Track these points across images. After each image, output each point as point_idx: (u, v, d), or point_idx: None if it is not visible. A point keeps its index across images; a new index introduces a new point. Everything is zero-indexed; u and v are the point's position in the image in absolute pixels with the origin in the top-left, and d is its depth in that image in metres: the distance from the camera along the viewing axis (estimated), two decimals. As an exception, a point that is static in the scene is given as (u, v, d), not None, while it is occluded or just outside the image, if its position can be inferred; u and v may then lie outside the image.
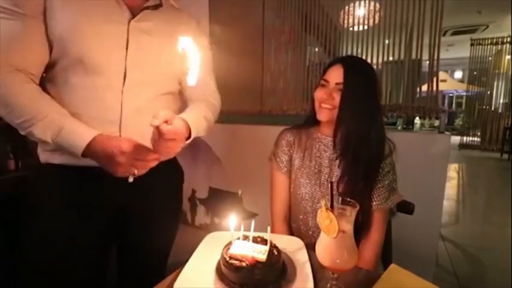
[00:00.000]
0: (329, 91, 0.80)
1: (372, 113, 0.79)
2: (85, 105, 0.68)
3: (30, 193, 0.73)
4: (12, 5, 0.60)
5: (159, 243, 0.87)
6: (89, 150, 0.61)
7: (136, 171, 0.63)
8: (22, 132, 0.63)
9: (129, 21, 0.71)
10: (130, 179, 0.63)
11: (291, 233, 0.93)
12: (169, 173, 0.84)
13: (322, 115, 0.82)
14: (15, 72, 0.61)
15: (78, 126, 0.63)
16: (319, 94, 0.82)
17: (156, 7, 0.76)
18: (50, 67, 0.67)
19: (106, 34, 0.68)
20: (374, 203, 0.83)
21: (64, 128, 0.61)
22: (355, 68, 0.80)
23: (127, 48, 0.70)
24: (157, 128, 0.56)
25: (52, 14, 0.63)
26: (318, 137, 0.89)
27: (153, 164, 0.64)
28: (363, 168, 0.78)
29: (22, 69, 0.62)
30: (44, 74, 0.68)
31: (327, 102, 0.80)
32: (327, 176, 0.86)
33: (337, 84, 0.79)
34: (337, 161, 0.84)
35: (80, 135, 0.62)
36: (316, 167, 0.87)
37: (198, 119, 0.74)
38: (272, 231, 0.91)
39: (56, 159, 0.69)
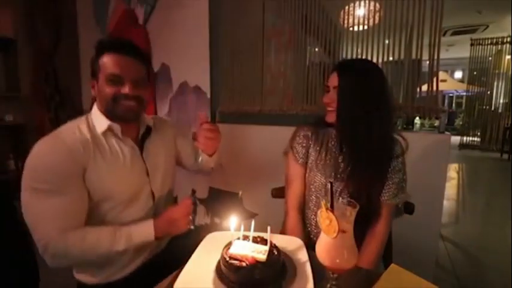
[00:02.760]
0: (330, 95, 0.87)
1: (369, 111, 0.81)
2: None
3: None
4: (57, 186, 0.70)
5: None
6: (157, 231, 0.79)
7: (191, 217, 0.83)
8: (105, 257, 0.78)
9: (141, 154, 0.88)
10: (192, 226, 0.83)
11: (303, 221, 0.97)
12: None
13: (329, 117, 0.90)
14: (66, 232, 0.71)
15: (135, 225, 0.79)
16: (323, 99, 0.90)
17: (149, 131, 0.93)
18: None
19: (133, 179, 0.85)
20: (383, 198, 0.86)
21: (130, 232, 0.77)
22: (348, 71, 0.85)
23: (148, 175, 0.88)
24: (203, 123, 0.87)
25: (90, 175, 0.76)
26: (334, 134, 0.93)
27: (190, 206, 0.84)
28: (365, 165, 0.83)
29: (75, 227, 0.73)
30: None
31: (330, 105, 0.88)
32: (341, 170, 0.89)
33: (334, 88, 0.86)
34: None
35: (143, 228, 0.79)
36: (332, 160, 0.91)
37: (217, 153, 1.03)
38: (285, 219, 0.95)
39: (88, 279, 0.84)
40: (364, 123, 0.81)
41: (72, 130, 0.78)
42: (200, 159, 1.02)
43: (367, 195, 0.82)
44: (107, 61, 0.78)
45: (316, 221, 0.94)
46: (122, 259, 0.83)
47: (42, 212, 0.70)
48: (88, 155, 0.75)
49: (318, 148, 0.93)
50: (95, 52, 0.80)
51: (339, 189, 0.87)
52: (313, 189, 0.94)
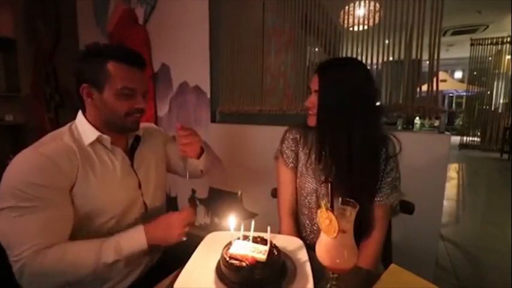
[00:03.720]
0: (311, 98, 0.85)
1: (351, 113, 0.78)
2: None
3: None
4: (40, 201, 0.65)
5: None
6: (149, 238, 0.73)
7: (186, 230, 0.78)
8: (92, 273, 0.67)
9: (131, 166, 0.84)
10: (184, 238, 0.77)
11: (297, 227, 0.95)
12: None
13: (309, 121, 0.87)
14: (44, 250, 0.64)
15: (124, 233, 0.73)
16: (306, 102, 0.87)
17: (137, 140, 0.89)
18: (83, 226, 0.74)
19: (126, 192, 0.81)
20: (376, 199, 0.84)
21: (119, 241, 0.70)
22: (328, 73, 0.82)
23: (140, 188, 0.85)
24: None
25: (78, 190, 0.71)
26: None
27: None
28: (347, 169, 0.80)
29: (56, 242, 0.67)
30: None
31: (311, 109, 0.85)
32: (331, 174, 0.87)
33: (315, 91, 0.83)
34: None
35: (133, 235, 0.73)
36: (322, 164, 0.88)
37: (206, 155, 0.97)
38: (279, 226, 0.94)
39: None
40: (344, 126, 0.79)
41: (54, 142, 0.72)
42: (188, 163, 0.99)
43: (357, 197, 0.79)
44: (119, 73, 0.73)
45: (311, 227, 0.92)
46: (114, 275, 0.78)
47: (19, 230, 0.63)
48: (75, 167, 0.70)
49: (307, 151, 0.90)
50: (95, 57, 0.74)
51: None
52: (304, 194, 0.91)
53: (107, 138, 0.78)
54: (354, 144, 0.78)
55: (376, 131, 0.83)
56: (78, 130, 0.77)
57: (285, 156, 0.94)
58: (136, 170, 0.85)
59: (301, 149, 0.92)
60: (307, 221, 0.93)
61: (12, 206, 0.63)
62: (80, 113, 0.80)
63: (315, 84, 0.83)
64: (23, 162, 0.67)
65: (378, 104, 0.86)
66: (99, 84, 0.74)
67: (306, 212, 0.93)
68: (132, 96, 0.76)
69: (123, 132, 0.83)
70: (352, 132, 0.78)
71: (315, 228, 0.91)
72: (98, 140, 0.77)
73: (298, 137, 0.93)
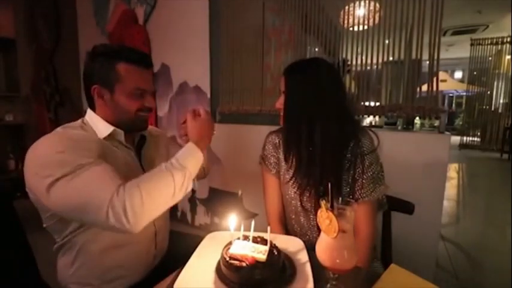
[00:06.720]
0: (280, 100, 0.86)
1: (315, 112, 0.79)
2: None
3: None
4: (90, 157, 0.65)
5: None
6: (200, 147, 0.74)
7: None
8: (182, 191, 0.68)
9: (139, 163, 0.86)
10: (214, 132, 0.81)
11: (288, 233, 0.94)
12: None
13: (280, 122, 0.88)
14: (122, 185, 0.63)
15: (177, 154, 0.72)
16: (277, 103, 0.88)
17: (143, 139, 0.91)
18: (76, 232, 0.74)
19: None
20: (360, 196, 0.82)
21: (177, 158, 0.71)
22: (293, 73, 0.84)
23: None
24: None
25: None
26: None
27: None
28: (307, 168, 0.82)
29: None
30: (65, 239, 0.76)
31: (280, 110, 0.87)
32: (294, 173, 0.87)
33: (283, 92, 0.85)
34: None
35: (186, 153, 0.73)
36: (288, 163, 0.89)
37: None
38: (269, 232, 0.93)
39: None
40: (306, 126, 0.79)
41: (71, 130, 0.74)
42: None
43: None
44: (129, 74, 0.75)
45: (300, 230, 0.92)
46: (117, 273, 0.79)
47: (89, 183, 0.60)
48: (94, 152, 0.68)
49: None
50: (104, 59, 0.75)
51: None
52: (289, 199, 0.90)
53: (120, 132, 0.79)
54: (314, 144, 0.79)
55: (342, 131, 0.81)
56: (90, 125, 0.79)
57: (267, 162, 0.94)
58: (144, 167, 0.87)
59: (281, 153, 0.91)
60: (296, 225, 0.92)
61: (61, 175, 0.60)
62: (89, 110, 0.81)
63: (282, 86, 0.85)
64: (49, 140, 0.67)
65: (346, 103, 0.85)
66: (109, 85, 0.75)
67: (294, 217, 0.92)
68: (142, 95, 0.79)
69: (132, 131, 0.84)
70: (313, 133, 0.79)
71: (303, 232, 0.91)
72: (111, 135, 0.78)
73: (278, 141, 0.93)
